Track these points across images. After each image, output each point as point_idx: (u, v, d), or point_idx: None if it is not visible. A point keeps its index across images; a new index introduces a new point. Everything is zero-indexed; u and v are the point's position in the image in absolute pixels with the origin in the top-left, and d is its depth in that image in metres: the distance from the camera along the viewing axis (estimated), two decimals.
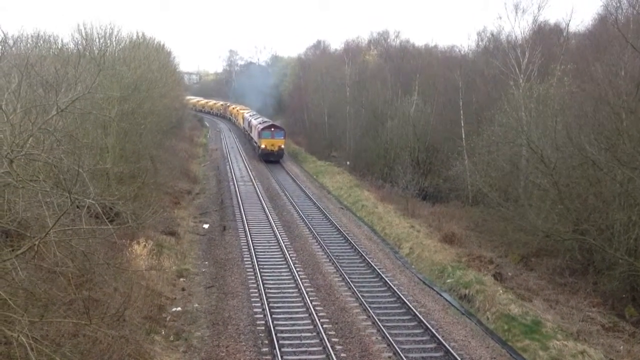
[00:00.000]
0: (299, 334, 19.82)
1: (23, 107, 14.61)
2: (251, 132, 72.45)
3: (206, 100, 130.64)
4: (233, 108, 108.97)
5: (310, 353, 18.51)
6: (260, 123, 66.33)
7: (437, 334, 19.89)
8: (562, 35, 45.69)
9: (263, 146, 61.09)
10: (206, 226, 34.55)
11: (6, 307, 11.42)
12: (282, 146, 61.69)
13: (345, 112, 64.26)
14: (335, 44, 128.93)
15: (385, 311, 22.30)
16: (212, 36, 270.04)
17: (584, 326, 21.05)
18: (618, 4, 35.21)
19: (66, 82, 18.70)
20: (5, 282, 11.92)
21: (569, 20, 56.36)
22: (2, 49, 21.23)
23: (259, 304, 22.53)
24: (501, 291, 23.33)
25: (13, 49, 37.80)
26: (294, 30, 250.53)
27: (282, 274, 26.29)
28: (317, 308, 22.16)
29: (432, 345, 19.40)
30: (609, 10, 41.60)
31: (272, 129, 62.38)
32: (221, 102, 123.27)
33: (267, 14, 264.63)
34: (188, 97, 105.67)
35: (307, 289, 24.15)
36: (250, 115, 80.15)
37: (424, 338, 20.01)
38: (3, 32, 42.07)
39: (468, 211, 38.57)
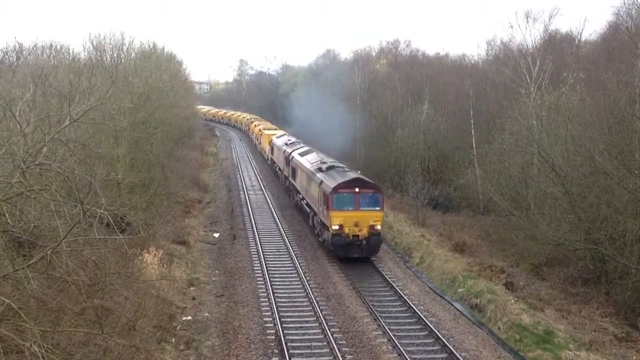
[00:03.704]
0: (309, 343, 19.80)
1: (36, 117, 14.75)
2: (292, 176, 42.64)
3: (217, 110, 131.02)
4: (255, 126, 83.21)
5: None
6: (323, 171, 33.30)
7: (448, 344, 19.79)
8: (574, 44, 45.56)
9: (336, 227, 28.97)
10: (216, 235, 34.62)
11: (18, 317, 11.50)
12: (379, 227, 29.42)
13: (355, 121, 64.26)
14: (345, 53, 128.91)
15: (396, 320, 22.23)
16: (223, 46, 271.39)
17: (597, 336, 20.85)
18: (628, 12, 35.13)
19: (79, 92, 18.88)
20: (18, 292, 12.01)
21: (582, 30, 56.17)
22: (17, 60, 21.49)
23: (269, 313, 22.53)
24: (513, 301, 23.18)
25: (28, 59, 38.30)
26: (304, 40, 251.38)
27: (292, 282, 26.29)
28: (328, 317, 22.12)
29: (444, 355, 19.31)
30: (621, 17, 41.53)
31: (357, 190, 29.49)
32: (232, 112, 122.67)
33: (277, 23, 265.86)
34: (199, 107, 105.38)
35: (317, 298, 24.12)
36: (287, 144, 48.94)
37: (435, 348, 19.93)
38: (18, 43, 42.67)
39: (479, 220, 38.38)
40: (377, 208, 29.44)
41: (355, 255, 29.01)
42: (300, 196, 38.86)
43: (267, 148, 62.73)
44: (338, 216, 28.85)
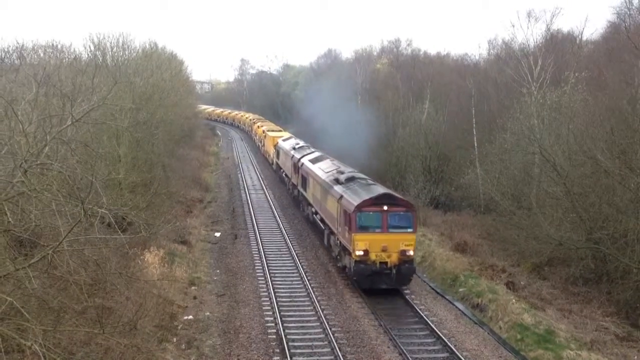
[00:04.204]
0: (311, 343, 19.80)
1: (38, 116, 14.77)
2: (303, 185, 38.32)
3: (219, 110, 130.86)
4: (258, 127, 78.61)
5: None
6: (341, 183, 28.79)
7: (449, 343, 19.80)
8: (575, 44, 45.54)
9: (360, 252, 24.54)
10: (218, 235, 34.64)
11: (19, 316, 11.52)
12: (411, 252, 24.86)
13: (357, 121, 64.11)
14: (347, 53, 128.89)
15: (397, 319, 22.24)
16: (224, 45, 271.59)
17: (598, 336, 20.85)
18: (628, 12, 35.13)
19: (81, 92, 18.90)
20: (19, 291, 12.02)
21: (583, 29, 56.01)
22: (19, 59, 21.53)
23: (270, 313, 22.55)
24: (514, 300, 23.19)
25: (28, 59, 38.33)
26: (305, 39, 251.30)
27: (294, 282, 26.30)
28: (329, 317, 22.13)
29: (445, 355, 19.32)
30: (621, 17, 41.52)
31: (385, 208, 24.89)
32: (235, 112, 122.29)
33: (279, 23, 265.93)
34: (200, 106, 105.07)
35: (318, 298, 24.13)
36: (295, 149, 45.42)
37: (436, 347, 19.94)
38: (19, 43, 42.71)
39: (480, 220, 38.35)
40: (409, 229, 24.72)
41: (382, 286, 24.59)
42: (313, 209, 34.60)
43: (272, 151, 58.56)
44: (362, 239, 24.29)
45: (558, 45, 44.80)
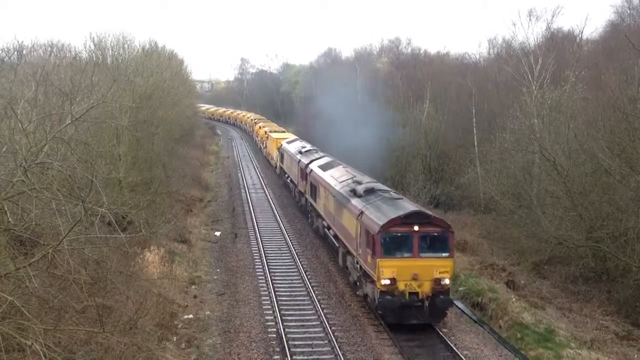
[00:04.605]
0: (311, 342, 19.81)
1: (38, 115, 14.77)
2: (312, 194, 34.60)
3: (219, 109, 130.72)
4: (260, 127, 75.08)
5: None
6: (359, 196, 24.95)
7: (449, 342, 19.80)
8: (575, 43, 45.55)
9: (386, 281, 20.69)
10: (218, 234, 34.64)
11: (20, 315, 11.52)
12: (447, 280, 21.10)
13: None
14: (347, 52, 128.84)
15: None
16: (224, 45, 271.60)
17: (598, 335, 20.85)
18: (628, 11, 35.11)
19: (81, 91, 18.90)
20: (19, 290, 12.02)
21: (583, 27, 56.05)
22: (18, 58, 21.52)
23: (271, 312, 22.55)
24: (514, 299, 23.18)
25: (27, 57, 38.34)
26: (305, 38, 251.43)
27: (294, 281, 26.31)
28: (329, 316, 22.13)
29: (445, 354, 19.31)
30: (621, 16, 41.53)
31: (416, 229, 20.94)
32: (236, 112, 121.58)
33: (278, 22, 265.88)
34: (200, 105, 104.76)
35: (319, 297, 24.13)
36: (301, 153, 41.77)
37: (436, 347, 19.92)
38: (18, 41, 42.72)
39: (480, 219, 38.38)
40: (445, 254, 20.91)
41: (413, 321, 20.73)
42: (324, 223, 30.82)
43: (275, 154, 55.21)
44: (389, 266, 20.48)
45: (558, 44, 44.82)
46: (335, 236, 27.88)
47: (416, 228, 20.64)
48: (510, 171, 34.59)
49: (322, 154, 39.34)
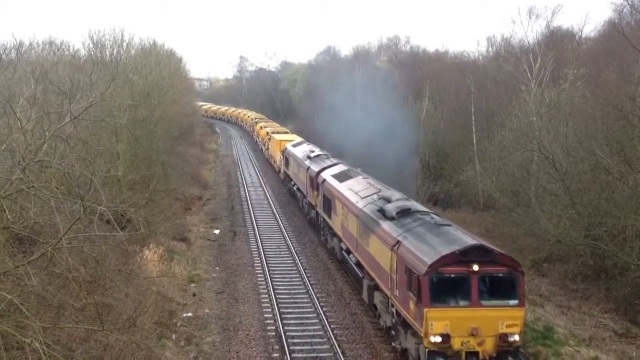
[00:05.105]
0: (310, 340, 19.82)
1: (37, 113, 14.76)
2: (326, 209, 29.85)
3: (220, 108, 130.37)
4: (261, 128, 70.70)
5: (321, 359, 18.51)
6: (392, 218, 19.80)
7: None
8: (574, 41, 45.56)
9: (437, 338, 15.54)
10: (217, 232, 34.65)
11: (19, 313, 11.53)
12: (516, 337, 15.76)
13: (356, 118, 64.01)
14: (346, 50, 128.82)
15: None
16: (223, 43, 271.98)
17: (596, 332, 20.89)
18: (629, 10, 35.11)
19: (80, 89, 18.88)
20: (19, 288, 12.03)
21: (583, 26, 55.92)
22: (16, 56, 21.49)
23: (270, 310, 22.57)
24: None
25: (27, 55, 38.29)
26: (304, 36, 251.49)
27: (293, 279, 26.32)
28: (328, 314, 22.15)
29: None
30: (620, 15, 41.50)
31: (475, 269, 15.66)
32: (236, 110, 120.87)
33: (277, 20, 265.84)
34: (199, 103, 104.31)
35: (317, 294, 24.14)
36: (310, 158, 37.64)
37: None
38: (17, 39, 42.65)
39: (479, 216, 38.41)
40: (514, 301, 16.09)
41: None
42: (342, 245, 26.31)
43: (278, 157, 51.36)
44: (440, 317, 15.64)
45: (558, 42, 44.85)
46: (358, 264, 23.25)
47: (476, 268, 15.67)
48: (509, 169, 34.62)
49: (334, 160, 34.78)
